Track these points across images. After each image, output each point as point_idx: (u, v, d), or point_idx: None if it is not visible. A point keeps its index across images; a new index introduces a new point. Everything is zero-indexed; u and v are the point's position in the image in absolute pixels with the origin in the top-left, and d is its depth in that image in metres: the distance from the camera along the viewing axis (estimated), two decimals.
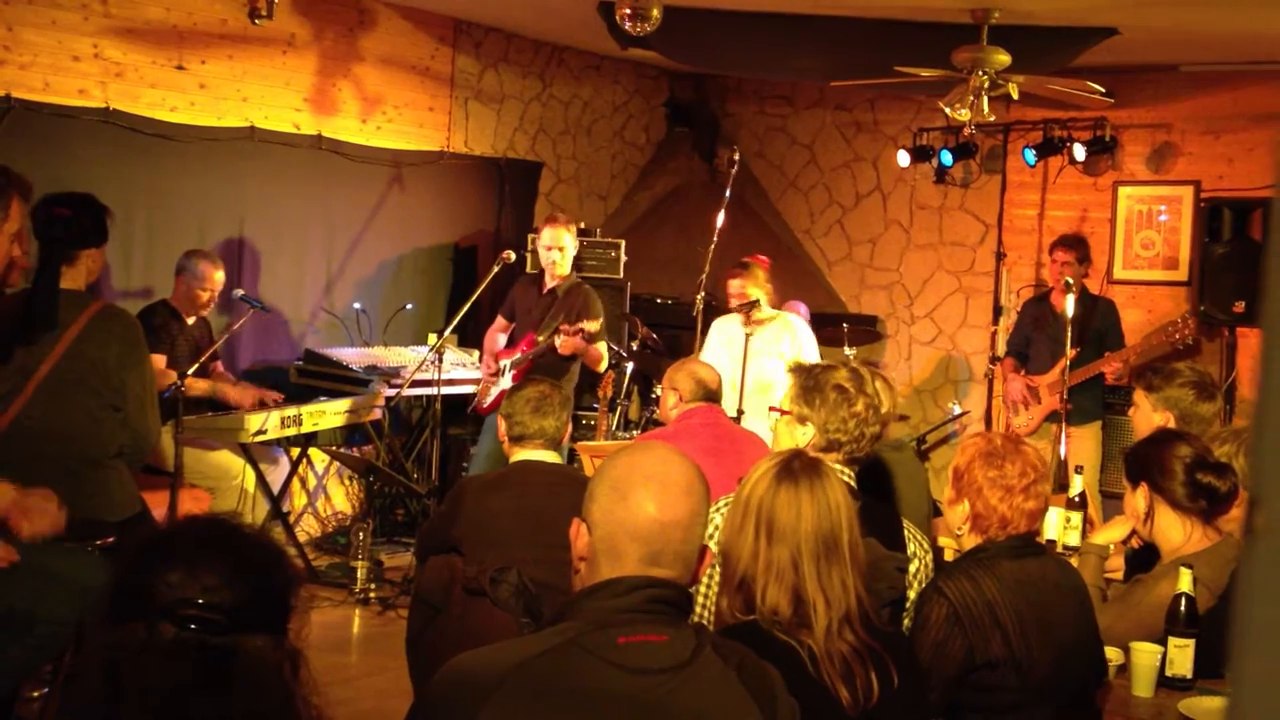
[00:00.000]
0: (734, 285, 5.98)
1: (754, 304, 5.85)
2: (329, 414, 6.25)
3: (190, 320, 5.89)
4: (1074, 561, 3.46)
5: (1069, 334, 6.12)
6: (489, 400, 6.37)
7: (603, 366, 6.42)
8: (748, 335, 5.79)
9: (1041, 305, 7.06)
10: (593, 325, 6.11)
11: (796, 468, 2.32)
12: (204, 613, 1.48)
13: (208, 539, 1.58)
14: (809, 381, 3.04)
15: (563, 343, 6.09)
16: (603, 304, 6.49)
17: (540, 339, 6.21)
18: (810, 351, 5.92)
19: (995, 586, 2.62)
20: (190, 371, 5.15)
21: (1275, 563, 0.48)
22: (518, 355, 6.32)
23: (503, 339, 6.58)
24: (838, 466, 2.95)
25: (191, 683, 1.46)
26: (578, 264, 7.25)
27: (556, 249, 6.35)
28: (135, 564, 1.56)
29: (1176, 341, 6.40)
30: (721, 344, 6.00)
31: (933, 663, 2.57)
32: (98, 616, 1.56)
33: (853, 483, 2.98)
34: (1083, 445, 6.60)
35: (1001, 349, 7.67)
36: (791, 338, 5.97)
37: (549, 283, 6.44)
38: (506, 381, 6.25)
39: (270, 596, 1.57)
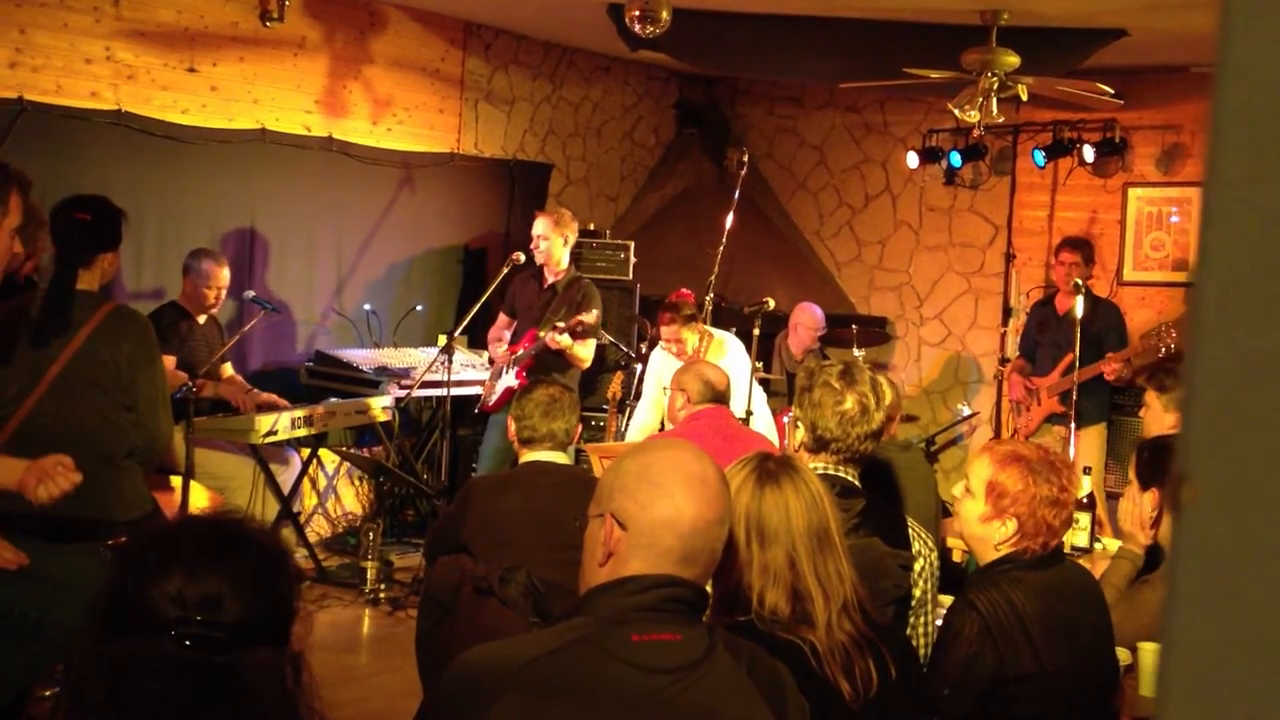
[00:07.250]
0: (667, 331, 5.81)
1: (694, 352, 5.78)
2: (339, 414, 6.27)
3: (201, 320, 5.91)
4: (1084, 562, 3.46)
5: (1076, 336, 6.10)
6: (494, 398, 6.38)
7: (585, 366, 6.37)
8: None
9: (1046, 308, 7.06)
10: (589, 318, 6.09)
11: (773, 468, 2.29)
12: (205, 630, 1.43)
13: (211, 542, 1.51)
14: (804, 381, 3.05)
15: (550, 339, 6.08)
16: (610, 304, 6.48)
17: (542, 334, 6.20)
18: (738, 371, 5.60)
19: (1024, 598, 2.58)
20: (201, 373, 5.17)
21: (1201, 537, 0.49)
22: (520, 352, 6.32)
23: (508, 336, 6.57)
24: (830, 466, 2.95)
25: (193, 698, 1.42)
26: (589, 265, 7.26)
27: (541, 239, 6.31)
28: (133, 569, 1.48)
29: (1158, 349, 6.36)
30: (668, 372, 5.66)
31: (963, 676, 2.53)
32: (94, 622, 1.47)
33: (856, 482, 2.98)
34: (1084, 447, 6.53)
35: (1011, 350, 7.67)
36: (723, 357, 5.80)
37: (549, 278, 6.42)
38: (511, 379, 6.26)
39: (275, 606, 1.51)
